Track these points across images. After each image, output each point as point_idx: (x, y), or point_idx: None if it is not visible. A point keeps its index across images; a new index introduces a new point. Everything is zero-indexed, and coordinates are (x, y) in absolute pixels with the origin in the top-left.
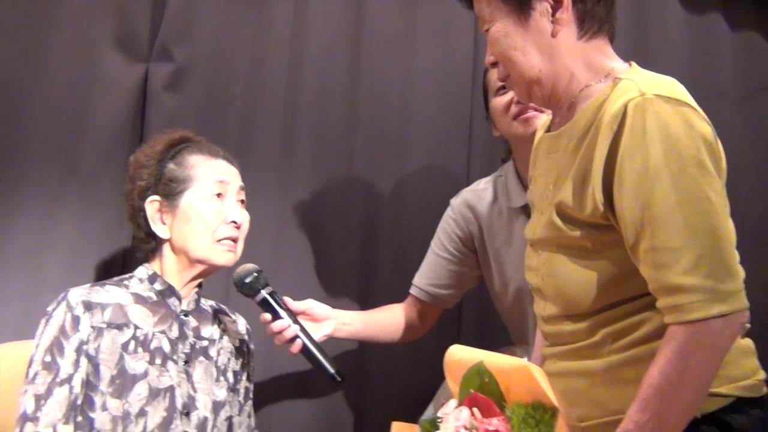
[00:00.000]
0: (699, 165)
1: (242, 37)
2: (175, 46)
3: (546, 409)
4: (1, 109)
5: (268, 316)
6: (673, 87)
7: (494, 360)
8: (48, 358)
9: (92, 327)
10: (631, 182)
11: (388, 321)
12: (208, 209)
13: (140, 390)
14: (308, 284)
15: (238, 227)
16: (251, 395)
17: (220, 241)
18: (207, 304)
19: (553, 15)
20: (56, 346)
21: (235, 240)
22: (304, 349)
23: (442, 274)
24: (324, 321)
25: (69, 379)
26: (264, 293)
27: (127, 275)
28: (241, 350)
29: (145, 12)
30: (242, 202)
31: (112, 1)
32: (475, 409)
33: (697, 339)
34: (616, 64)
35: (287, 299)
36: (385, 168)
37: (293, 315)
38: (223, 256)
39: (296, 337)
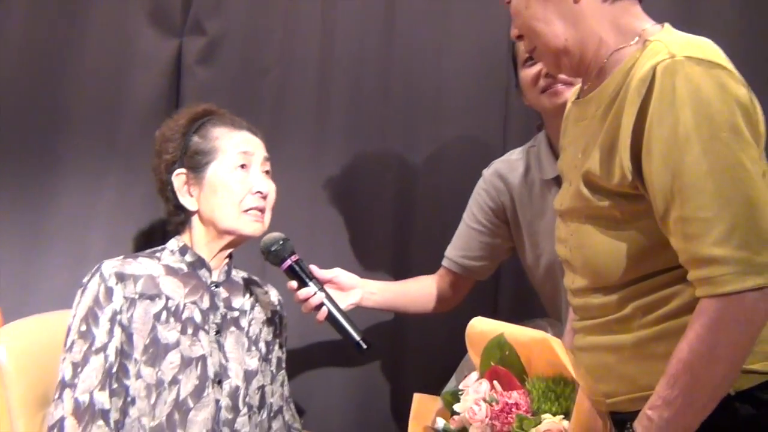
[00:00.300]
0: (733, 130)
1: (274, 8)
2: (207, 20)
3: (567, 383)
4: (43, 86)
5: (294, 283)
6: (706, 48)
7: (515, 332)
8: (83, 328)
9: (125, 297)
10: (659, 149)
11: (418, 291)
12: (234, 180)
13: (173, 359)
14: (342, 256)
15: (264, 197)
16: (284, 365)
17: (247, 211)
18: (239, 275)
19: None
20: (91, 316)
21: (261, 210)
22: (330, 317)
23: (473, 245)
24: (351, 290)
25: (104, 348)
26: (290, 261)
27: (159, 247)
28: (273, 321)
29: None
30: (267, 172)
31: None
32: (495, 382)
33: (729, 313)
34: (647, 25)
35: (313, 267)
36: (419, 139)
37: (319, 283)
38: (251, 226)
39: (322, 304)
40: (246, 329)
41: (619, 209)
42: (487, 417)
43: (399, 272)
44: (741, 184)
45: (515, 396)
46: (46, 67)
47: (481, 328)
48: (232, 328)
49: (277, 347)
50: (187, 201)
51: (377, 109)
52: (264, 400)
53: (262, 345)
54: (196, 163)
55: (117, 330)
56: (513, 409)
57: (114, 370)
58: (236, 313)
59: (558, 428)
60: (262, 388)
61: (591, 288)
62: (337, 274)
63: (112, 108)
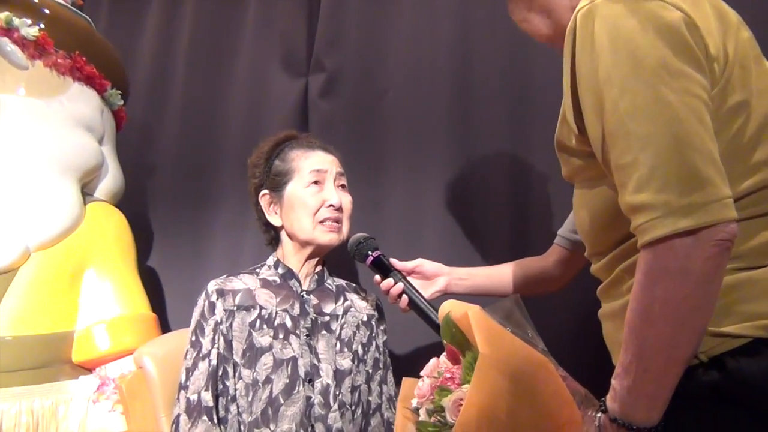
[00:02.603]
0: (657, 64)
1: (381, 37)
2: (326, 58)
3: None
4: (198, 134)
5: (378, 277)
6: None
7: (455, 309)
8: (194, 338)
9: (225, 310)
10: (588, 99)
11: (518, 273)
12: (308, 195)
13: (266, 360)
14: (466, 259)
15: (337, 209)
16: (383, 365)
17: (322, 222)
18: (334, 283)
19: None
20: (199, 328)
21: (337, 220)
22: (412, 304)
23: None
24: (436, 278)
25: (208, 354)
26: (372, 256)
27: (260, 264)
28: (369, 324)
29: (302, 34)
30: (342, 186)
31: (277, 30)
32: (442, 358)
33: (659, 263)
34: None
35: (394, 261)
36: (533, 141)
37: (400, 274)
38: (326, 236)
39: (403, 293)
40: (337, 332)
41: (589, 168)
42: (428, 392)
43: None
44: (661, 121)
45: (454, 370)
46: (201, 118)
47: (445, 309)
48: (323, 332)
49: (373, 348)
50: (272, 218)
51: (488, 113)
52: (359, 398)
53: (357, 346)
54: (276, 183)
55: (219, 338)
56: (449, 383)
57: (220, 372)
58: (327, 318)
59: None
60: (357, 387)
61: (591, 253)
62: (420, 263)
63: (252, 147)
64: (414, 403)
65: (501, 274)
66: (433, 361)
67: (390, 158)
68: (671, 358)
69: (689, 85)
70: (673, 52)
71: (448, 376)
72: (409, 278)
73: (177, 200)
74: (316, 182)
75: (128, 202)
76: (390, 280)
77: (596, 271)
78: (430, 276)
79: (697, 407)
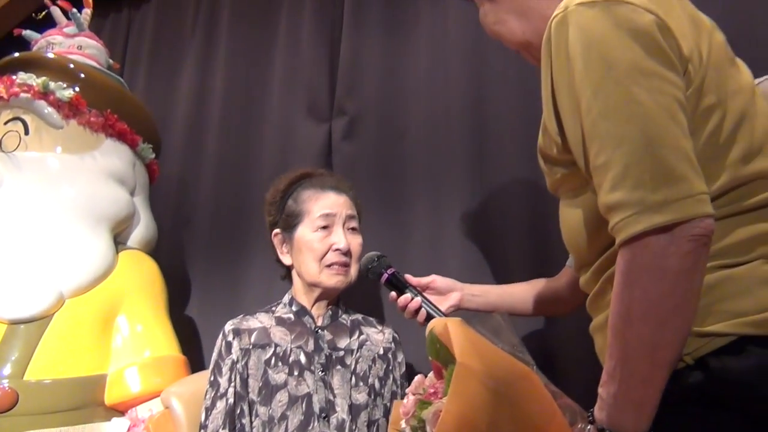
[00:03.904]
0: (630, 65)
1: (401, 81)
2: (347, 102)
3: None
4: (231, 179)
5: (393, 294)
6: None
7: (437, 324)
8: (212, 378)
9: (241, 349)
10: (566, 105)
11: (529, 293)
12: (315, 239)
13: (281, 397)
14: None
15: (345, 253)
16: (400, 399)
17: (329, 266)
18: (349, 318)
19: None
20: (216, 368)
21: (344, 264)
22: (428, 319)
23: None
24: (449, 293)
25: (225, 393)
26: (386, 274)
27: (277, 302)
28: (385, 357)
29: (325, 82)
30: (353, 229)
31: (302, 80)
32: (430, 375)
33: (636, 262)
34: None
35: (409, 276)
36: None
37: (416, 290)
38: (332, 279)
39: (420, 308)
40: (352, 366)
41: (572, 177)
42: (412, 408)
43: None
44: (634, 121)
45: (437, 385)
46: (233, 169)
47: (431, 326)
48: (338, 367)
49: (390, 382)
50: (284, 258)
51: (502, 147)
52: None
53: (373, 380)
54: (287, 223)
55: (236, 377)
56: (432, 398)
57: (237, 411)
58: (341, 353)
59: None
60: (375, 421)
61: (578, 266)
62: (434, 279)
63: None
64: (402, 424)
65: (513, 293)
66: (418, 377)
67: (410, 195)
68: (655, 361)
69: (662, 85)
70: (646, 53)
71: (432, 391)
72: (424, 293)
73: (213, 250)
74: (325, 227)
75: (167, 254)
76: (406, 296)
77: (583, 285)
78: (444, 291)
79: (685, 413)
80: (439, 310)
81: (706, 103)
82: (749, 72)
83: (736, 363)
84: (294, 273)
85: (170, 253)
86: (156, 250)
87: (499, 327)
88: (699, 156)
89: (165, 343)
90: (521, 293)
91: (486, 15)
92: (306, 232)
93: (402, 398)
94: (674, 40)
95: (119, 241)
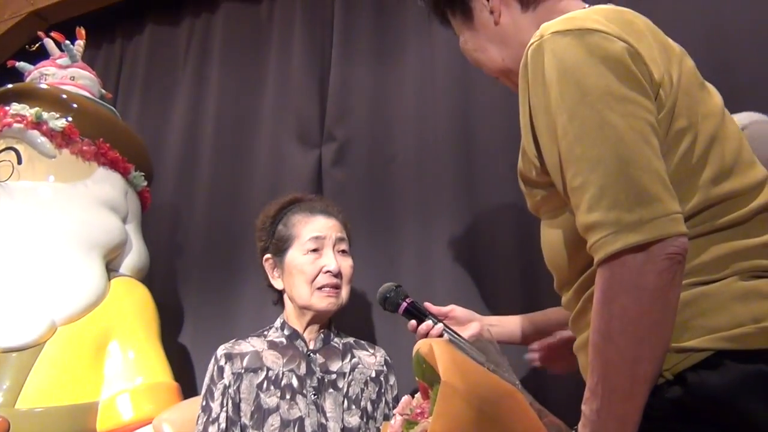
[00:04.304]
0: (603, 90)
1: (389, 106)
2: (336, 129)
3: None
4: (223, 206)
5: (413, 322)
6: (579, 18)
7: (421, 345)
8: (204, 403)
9: (233, 373)
10: (542, 130)
11: (545, 321)
12: (306, 262)
13: (273, 421)
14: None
15: (335, 275)
16: None
17: (320, 288)
18: (341, 341)
19: (488, 3)
20: (208, 392)
21: (335, 286)
22: (452, 343)
23: None
24: (468, 323)
25: (217, 418)
26: (405, 304)
27: (269, 326)
28: (378, 380)
29: (314, 110)
30: (343, 251)
31: (292, 108)
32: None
33: (614, 280)
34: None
35: (428, 305)
36: None
37: (436, 317)
38: (323, 301)
39: (443, 334)
40: (344, 389)
41: (551, 199)
42: (399, 429)
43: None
44: (608, 144)
45: (423, 405)
46: (225, 196)
47: (416, 347)
48: (330, 390)
49: (383, 405)
50: (275, 282)
51: (490, 170)
52: None
53: (365, 403)
54: (278, 248)
55: (227, 401)
56: (418, 418)
57: None
58: (333, 376)
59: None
60: None
61: (559, 286)
62: (453, 308)
63: None
64: None
65: (527, 322)
66: (405, 398)
67: (400, 219)
68: (636, 377)
69: (634, 109)
70: (618, 79)
71: (419, 411)
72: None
73: (205, 276)
74: (315, 250)
75: (159, 281)
76: (428, 323)
77: (565, 304)
78: (464, 321)
79: (666, 429)
80: (461, 336)
81: (677, 126)
82: (719, 96)
83: (714, 378)
84: (286, 297)
85: (163, 280)
86: (148, 277)
87: (485, 347)
88: (672, 177)
89: (157, 369)
90: (535, 322)
91: (466, 42)
92: (296, 255)
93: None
94: (645, 66)
95: (111, 268)
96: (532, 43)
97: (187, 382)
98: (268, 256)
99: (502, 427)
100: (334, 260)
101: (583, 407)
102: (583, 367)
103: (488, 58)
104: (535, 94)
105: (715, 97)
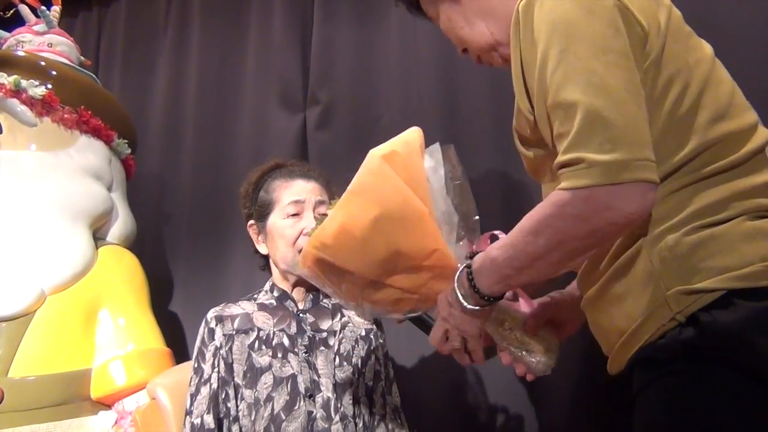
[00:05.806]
0: (589, 42)
1: (373, 67)
2: (320, 91)
3: None
4: (208, 172)
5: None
6: None
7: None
8: (196, 365)
9: (224, 335)
10: (533, 85)
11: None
12: (286, 226)
13: (266, 380)
14: None
15: None
16: (385, 377)
17: (301, 251)
18: (330, 302)
19: None
20: (200, 354)
21: None
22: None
23: None
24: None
25: (209, 379)
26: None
27: (258, 290)
28: (368, 338)
29: (297, 72)
30: (323, 214)
31: (275, 72)
32: None
33: (569, 206)
34: None
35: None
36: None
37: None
38: None
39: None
40: (336, 347)
41: (549, 158)
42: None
43: None
44: (590, 91)
45: None
46: (210, 162)
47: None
48: (322, 348)
49: (372, 361)
50: (260, 247)
51: (474, 128)
52: (360, 410)
53: (356, 360)
54: (260, 214)
55: (219, 362)
56: None
57: (222, 396)
58: (324, 334)
59: None
60: (357, 399)
61: None
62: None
63: None
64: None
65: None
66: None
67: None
68: (534, 268)
69: (619, 60)
70: (605, 31)
71: None
72: None
73: (193, 243)
74: (295, 214)
75: (147, 248)
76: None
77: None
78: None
79: (675, 372)
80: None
81: (666, 74)
82: (708, 45)
83: (726, 316)
84: (271, 261)
85: (151, 248)
86: (137, 245)
87: (465, 191)
88: (665, 124)
89: (149, 336)
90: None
91: (450, 20)
92: (277, 219)
93: (386, 378)
94: (633, 17)
95: (98, 236)
96: (521, 1)
97: (178, 348)
98: (251, 222)
99: (394, 236)
100: (314, 222)
101: (491, 250)
102: (591, 322)
103: (476, 33)
104: (525, 48)
105: (705, 45)
